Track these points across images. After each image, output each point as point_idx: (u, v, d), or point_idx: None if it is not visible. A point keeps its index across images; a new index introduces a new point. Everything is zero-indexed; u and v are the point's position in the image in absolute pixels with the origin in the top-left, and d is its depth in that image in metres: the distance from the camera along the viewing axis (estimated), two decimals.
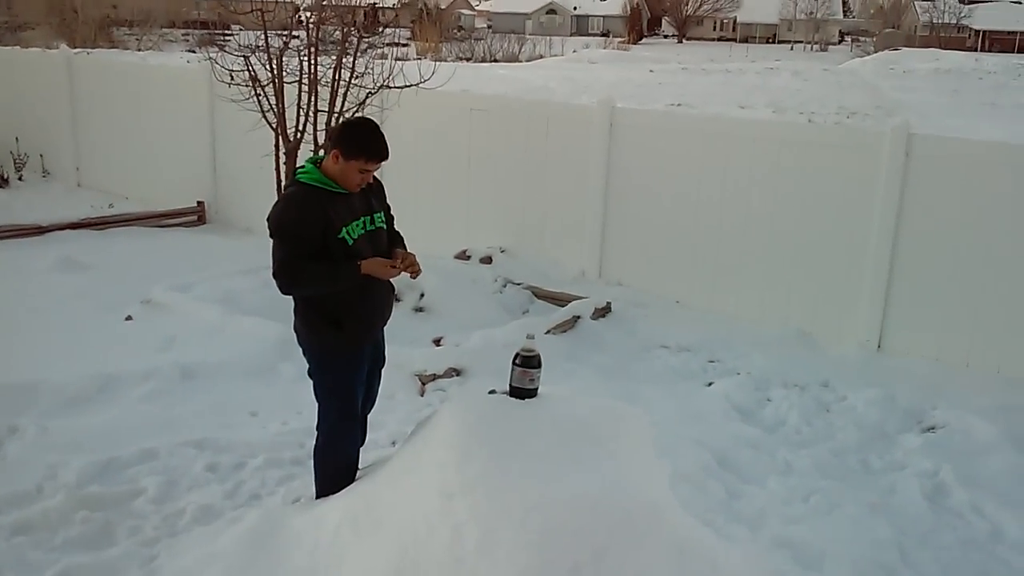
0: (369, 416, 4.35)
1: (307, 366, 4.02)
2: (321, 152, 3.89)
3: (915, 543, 4.35)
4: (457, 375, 6.03)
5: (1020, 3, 72.46)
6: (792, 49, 69.27)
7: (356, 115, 7.45)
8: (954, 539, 4.43)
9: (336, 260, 3.73)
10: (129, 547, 3.86)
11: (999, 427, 5.45)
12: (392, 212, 4.16)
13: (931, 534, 4.46)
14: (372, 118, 4.06)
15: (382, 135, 3.79)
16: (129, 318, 6.77)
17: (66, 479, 4.33)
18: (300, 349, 4.01)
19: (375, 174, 3.89)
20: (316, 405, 4.03)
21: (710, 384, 6.17)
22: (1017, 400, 5.96)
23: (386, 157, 3.78)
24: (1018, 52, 54.43)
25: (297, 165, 4.54)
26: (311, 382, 4.02)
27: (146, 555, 3.81)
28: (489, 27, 70.52)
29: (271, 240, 3.72)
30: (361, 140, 3.73)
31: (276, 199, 3.83)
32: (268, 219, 3.72)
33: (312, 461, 4.10)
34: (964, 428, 5.50)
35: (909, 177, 6.57)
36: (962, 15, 67.72)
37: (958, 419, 5.59)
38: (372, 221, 3.91)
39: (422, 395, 5.75)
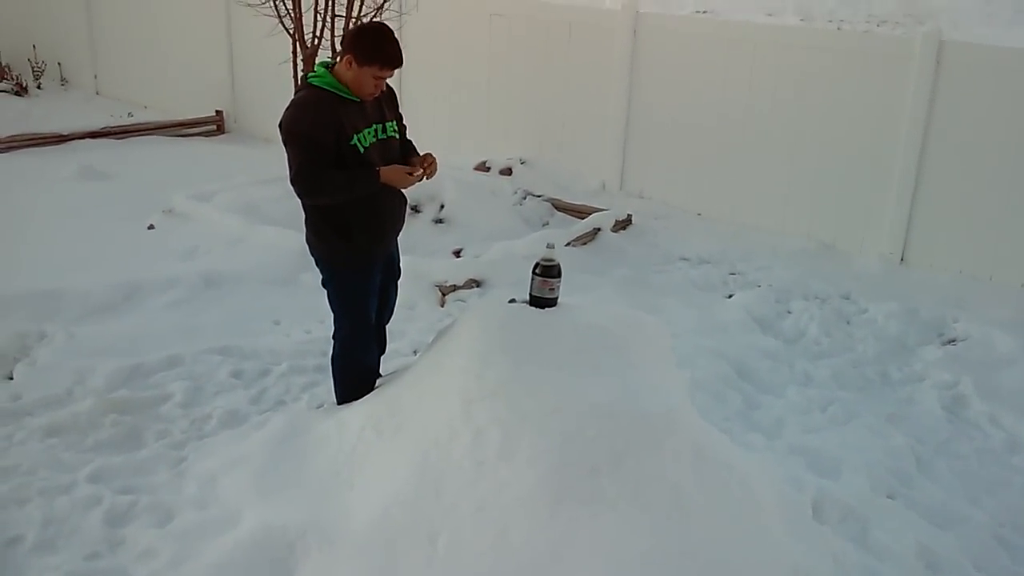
0: (389, 326, 4.39)
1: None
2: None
3: (931, 452, 4.39)
4: (477, 286, 6.04)
5: None
6: None
7: (373, 20, 7.31)
8: (970, 449, 4.46)
9: (353, 167, 3.67)
10: (158, 449, 3.95)
11: (1021, 340, 5.44)
12: (405, 122, 4.07)
13: (947, 444, 4.49)
14: (388, 23, 3.96)
15: (397, 41, 3.68)
16: (151, 227, 6.81)
17: (95, 384, 4.41)
18: (313, 259, 4.02)
19: (388, 82, 3.78)
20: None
21: (730, 296, 6.16)
22: None
23: (400, 64, 3.68)
24: None
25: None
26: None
27: (175, 457, 3.90)
28: None
29: (284, 146, 3.65)
30: (376, 45, 3.61)
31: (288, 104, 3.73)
32: (280, 124, 3.64)
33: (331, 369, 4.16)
34: (985, 341, 5.49)
35: (939, 86, 6.41)
36: None
37: (979, 332, 5.58)
38: (384, 130, 3.83)
39: (442, 305, 5.78)
